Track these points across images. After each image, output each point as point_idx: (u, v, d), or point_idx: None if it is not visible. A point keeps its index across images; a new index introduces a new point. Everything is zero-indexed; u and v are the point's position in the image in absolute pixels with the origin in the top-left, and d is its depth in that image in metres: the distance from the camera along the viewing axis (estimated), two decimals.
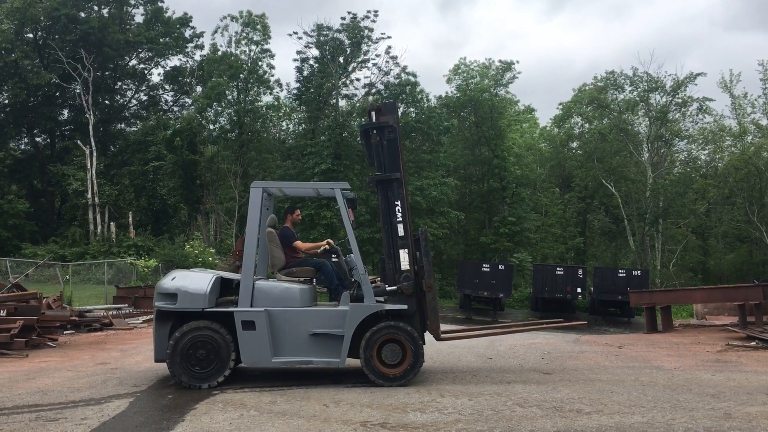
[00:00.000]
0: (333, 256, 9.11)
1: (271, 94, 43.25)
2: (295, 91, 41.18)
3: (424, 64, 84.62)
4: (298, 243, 9.03)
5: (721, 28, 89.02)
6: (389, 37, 43.01)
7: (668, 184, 41.62)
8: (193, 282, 8.18)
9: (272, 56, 42.06)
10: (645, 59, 64.58)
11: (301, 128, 44.43)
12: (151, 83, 50.92)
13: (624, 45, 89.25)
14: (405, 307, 8.32)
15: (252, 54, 41.79)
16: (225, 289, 8.44)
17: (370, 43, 39.93)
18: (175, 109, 51.12)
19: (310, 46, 39.69)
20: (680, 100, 42.73)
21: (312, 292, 8.70)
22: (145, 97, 51.49)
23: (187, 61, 49.16)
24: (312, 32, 39.43)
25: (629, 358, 10.80)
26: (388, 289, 8.44)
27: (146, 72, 50.09)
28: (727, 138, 45.50)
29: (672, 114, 43.24)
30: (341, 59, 39.79)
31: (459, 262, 32.95)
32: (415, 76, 40.05)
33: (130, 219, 41.10)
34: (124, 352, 11.44)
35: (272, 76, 42.59)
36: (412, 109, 40.02)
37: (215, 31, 42.70)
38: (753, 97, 43.93)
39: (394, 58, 40.14)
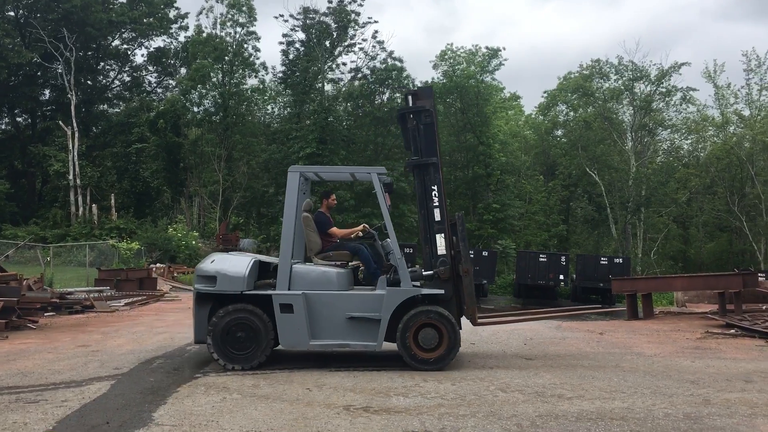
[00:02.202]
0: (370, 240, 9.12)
1: (256, 77, 43.10)
2: (280, 75, 41.03)
3: (417, 49, 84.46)
4: (334, 230, 9.02)
5: (711, 17, 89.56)
6: (376, 22, 42.78)
7: (651, 173, 41.95)
8: (232, 265, 8.25)
9: (258, 39, 41.89)
10: (630, 48, 65.57)
11: (286, 112, 44.23)
12: (134, 64, 50.41)
13: (617, 33, 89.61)
14: (442, 291, 8.31)
15: (237, 36, 41.53)
16: (263, 272, 8.51)
17: (356, 27, 39.80)
18: (159, 90, 50.69)
19: (297, 29, 39.52)
20: (664, 90, 43.00)
21: (349, 276, 8.69)
22: (128, 78, 50.93)
23: (171, 42, 48.72)
24: (298, 15, 39.24)
25: (610, 344, 10.88)
26: (424, 273, 8.46)
27: (129, 53, 49.56)
28: (710, 128, 45.91)
29: (656, 103, 43.53)
30: (327, 43, 39.61)
31: None
32: (401, 61, 40.05)
33: (112, 201, 40.77)
34: (106, 335, 11.37)
35: (257, 59, 42.49)
36: (398, 95, 39.94)
37: (200, 12, 42.38)
38: (736, 88, 44.37)
39: (380, 42, 40.09)
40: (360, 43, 40.38)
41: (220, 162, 39.53)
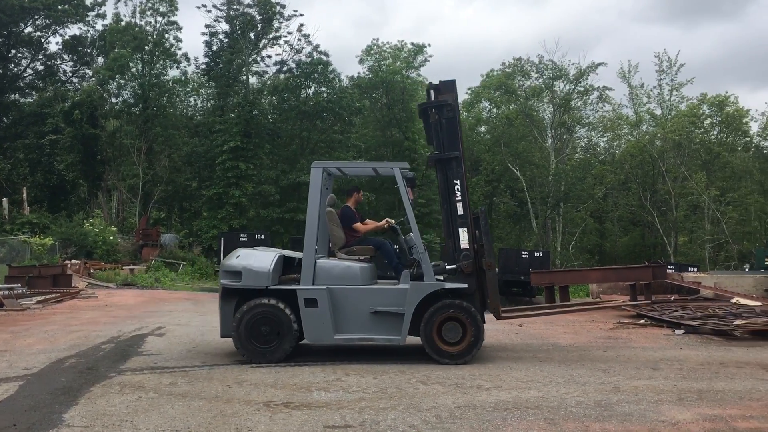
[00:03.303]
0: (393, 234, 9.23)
1: (178, 68, 41.93)
2: (203, 66, 40.16)
3: (346, 43, 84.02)
4: (358, 225, 9.04)
5: (629, 19, 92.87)
6: (302, 15, 42.71)
7: (569, 170, 43.29)
8: (257, 260, 8.37)
9: (179, 29, 40.75)
10: (551, 47, 66.81)
11: (209, 104, 43.35)
12: (48, 52, 47.97)
13: (541, 32, 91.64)
14: (465, 285, 8.36)
15: (158, 26, 40.31)
16: (287, 267, 8.58)
17: (282, 19, 39.37)
18: (75, 80, 48.52)
19: (220, 20, 38.77)
20: (582, 89, 44.40)
21: (372, 271, 8.78)
22: (41, 67, 48.44)
23: (88, 30, 46.63)
24: (222, 6, 38.51)
25: (528, 335, 11.20)
26: (447, 267, 8.51)
27: (43, 40, 47.21)
28: (624, 126, 47.70)
29: (574, 102, 44.88)
30: (252, 35, 39.02)
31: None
32: (327, 55, 39.87)
33: (24, 195, 39.00)
34: (15, 334, 10.87)
35: (179, 49, 41.32)
36: (323, 89, 39.80)
37: (118, 0, 40.89)
38: (648, 88, 46.27)
39: (306, 36, 39.80)
40: (285, 36, 39.99)
41: (139, 155, 38.31)
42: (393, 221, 9.40)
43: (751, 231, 42.96)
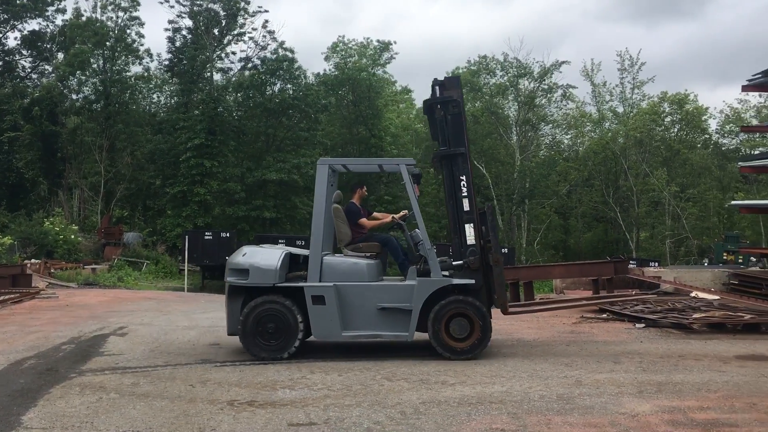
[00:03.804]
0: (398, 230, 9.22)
1: (140, 64, 41.36)
2: (166, 63, 39.65)
3: (312, 40, 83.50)
4: (363, 221, 9.06)
5: (592, 18, 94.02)
6: (266, 11, 42.10)
7: (534, 167, 43.75)
8: (264, 258, 8.38)
9: (142, 24, 40.13)
10: (515, 45, 67.27)
11: (173, 101, 42.77)
12: (6, 48, 46.92)
13: (506, 30, 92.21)
14: (473, 281, 8.39)
15: (120, 21, 39.66)
16: (292, 264, 8.57)
17: (246, 15, 39.05)
18: (34, 76, 47.38)
19: (183, 15, 38.30)
20: (546, 87, 44.90)
21: (379, 267, 8.79)
22: None
23: (48, 25, 45.66)
24: (185, 1, 37.98)
25: (493, 331, 11.27)
26: (454, 263, 8.51)
27: (1, 35, 46.11)
28: (588, 124, 48.39)
29: (539, 99, 45.37)
30: (216, 31, 38.62)
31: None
32: (292, 52, 39.66)
33: None
34: None
35: (142, 45, 40.72)
36: (289, 86, 39.57)
37: None
38: (611, 86, 46.99)
39: (271, 32, 39.55)
40: (250, 33, 39.67)
41: (101, 152, 37.67)
42: (398, 216, 9.39)
43: (710, 227, 43.92)
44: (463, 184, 8.68)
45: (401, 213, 9.37)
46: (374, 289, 8.38)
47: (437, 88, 8.93)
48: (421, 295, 8.23)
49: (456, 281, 8.39)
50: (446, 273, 8.51)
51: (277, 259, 8.32)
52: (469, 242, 8.59)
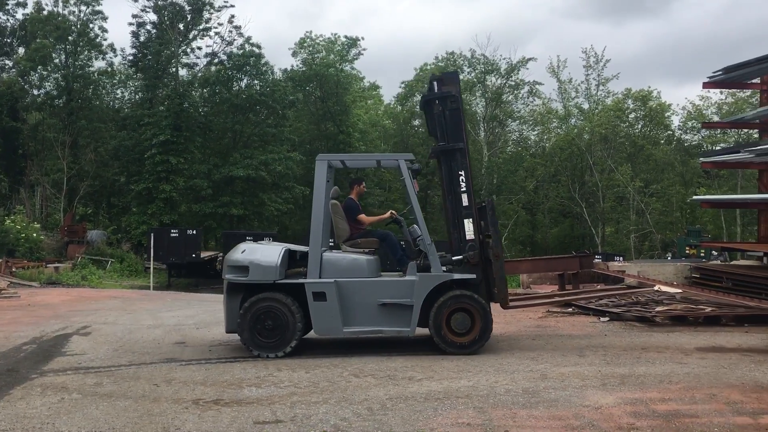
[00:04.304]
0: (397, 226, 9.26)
1: (104, 59, 40.57)
2: (131, 58, 38.98)
3: (280, 35, 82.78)
4: (362, 217, 9.06)
5: (559, 15, 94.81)
6: (233, 6, 41.73)
7: (501, 163, 44.07)
8: (264, 255, 8.39)
9: (105, 19, 39.40)
10: (483, 42, 67.58)
11: (137, 97, 42.11)
12: None
13: (475, 26, 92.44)
14: (474, 276, 8.42)
15: (82, 15, 38.90)
16: (291, 260, 8.53)
17: (212, 10, 38.61)
18: None
19: (147, 10, 37.67)
20: (513, 83, 45.21)
21: (378, 263, 8.77)
22: None
23: (8, 19, 44.60)
24: None
25: None
26: (453, 258, 8.52)
27: None
28: (554, 120, 48.81)
29: (506, 96, 45.65)
30: (181, 26, 38.11)
31: (304, 236, 32.96)
32: (259, 47, 39.39)
33: None
34: None
35: (105, 40, 39.97)
36: (256, 82, 39.25)
37: None
38: (577, 83, 47.47)
39: (237, 27, 39.22)
40: (216, 28, 39.24)
41: (64, 149, 36.91)
42: (396, 213, 9.46)
43: (673, 221, 44.65)
44: (462, 180, 8.73)
45: (389, 213, 9.47)
46: (375, 285, 8.42)
47: (435, 83, 8.96)
48: (422, 291, 8.28)
49: (457, 276, 8.45)
50: (445, 268, 8.57)
51: (277, 256, 8.32)
52: (468, 237, 8.65)
